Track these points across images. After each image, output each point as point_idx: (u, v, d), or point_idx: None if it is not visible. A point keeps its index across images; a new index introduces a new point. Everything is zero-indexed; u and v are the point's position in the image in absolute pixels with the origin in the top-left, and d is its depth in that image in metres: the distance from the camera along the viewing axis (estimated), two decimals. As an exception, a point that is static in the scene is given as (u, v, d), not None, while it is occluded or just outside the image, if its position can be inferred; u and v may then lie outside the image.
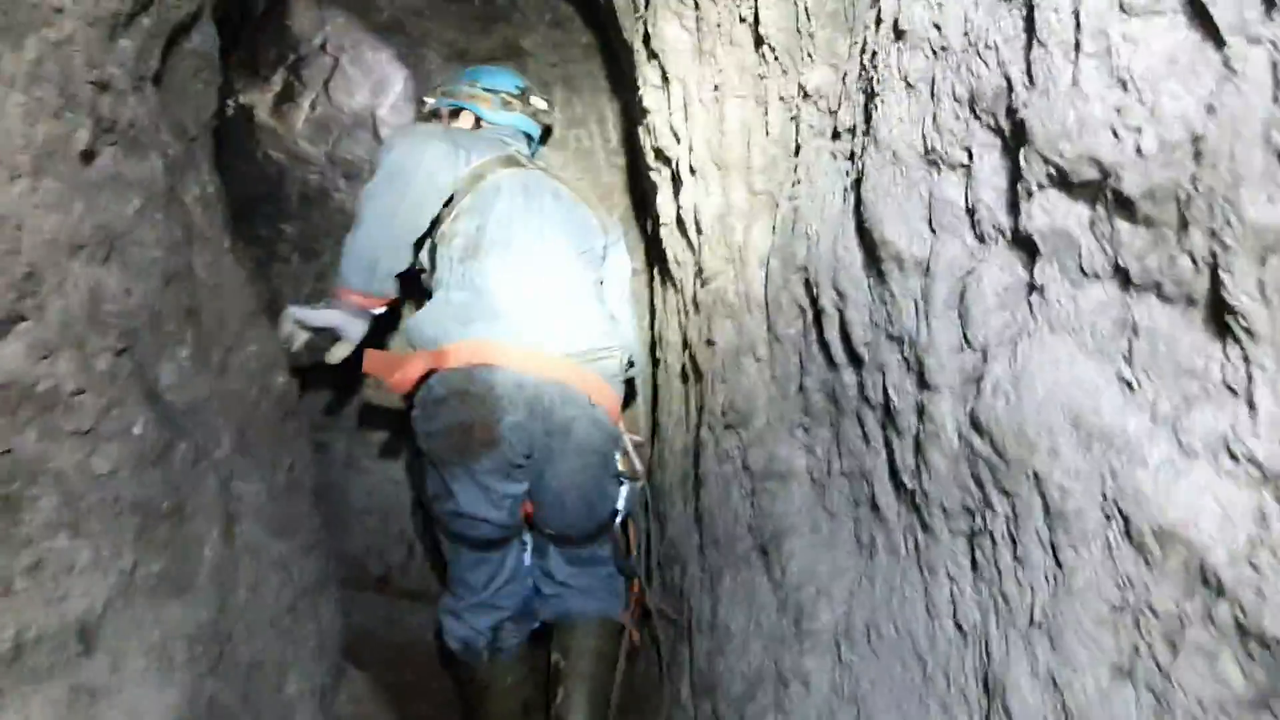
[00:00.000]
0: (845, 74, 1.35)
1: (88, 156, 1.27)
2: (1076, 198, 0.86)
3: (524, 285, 2.36)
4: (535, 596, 2.56)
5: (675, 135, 1.76)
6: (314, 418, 3.49)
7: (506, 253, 2.39)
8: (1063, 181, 0.86)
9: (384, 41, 3.20)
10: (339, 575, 3.57)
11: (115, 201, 1.36)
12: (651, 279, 2.78)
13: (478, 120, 2.71)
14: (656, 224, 2.24)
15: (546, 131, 2.94)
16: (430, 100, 2.82)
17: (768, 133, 1.48)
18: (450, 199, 2.40)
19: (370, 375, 2.53)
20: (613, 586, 2.56)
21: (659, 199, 2.09)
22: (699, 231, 1.73)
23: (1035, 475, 0.90)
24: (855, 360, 1.33)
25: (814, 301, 1.43)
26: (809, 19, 1.39)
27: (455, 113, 2.74)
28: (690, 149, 1.63)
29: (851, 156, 1.31)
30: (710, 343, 1.82)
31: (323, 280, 3.46)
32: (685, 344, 2.14)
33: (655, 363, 2.71)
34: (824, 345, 1.43)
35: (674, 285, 2.25)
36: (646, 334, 2.82)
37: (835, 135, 1.37)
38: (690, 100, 1.59)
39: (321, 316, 2.33)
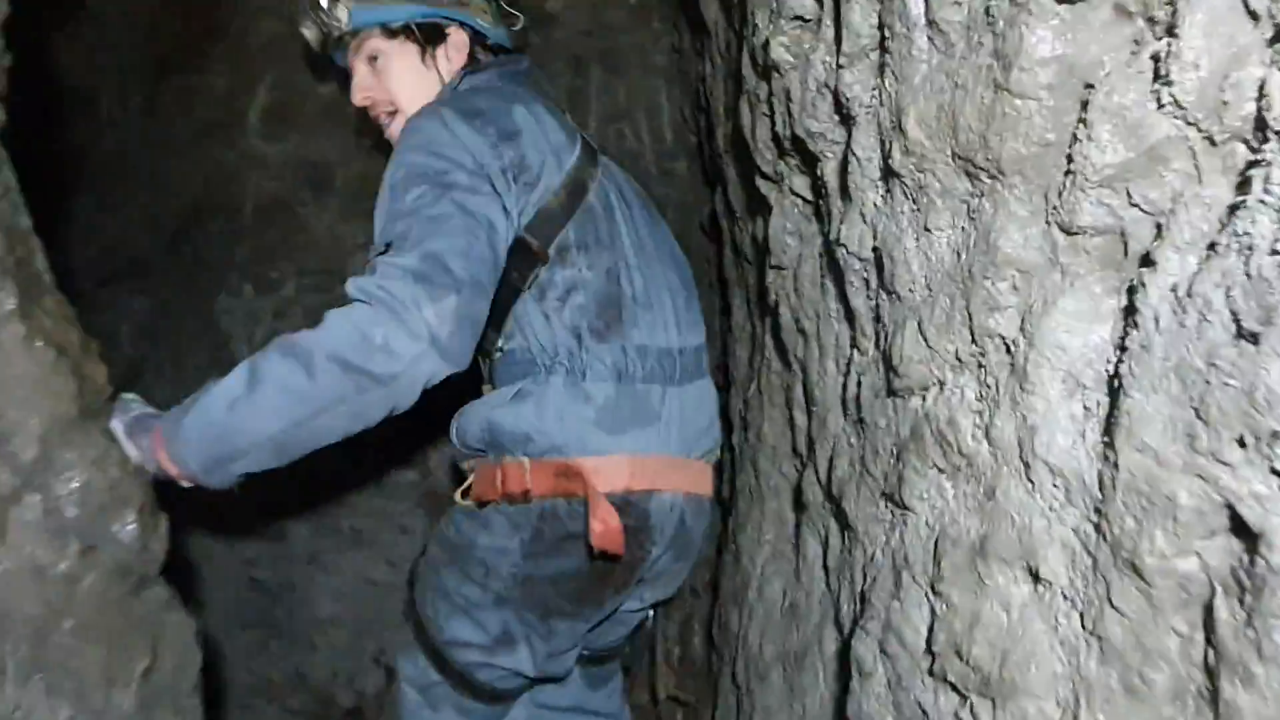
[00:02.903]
0: None
1: None
2: None
3: (675, 365, 1.58)
4: None
5: (842, 107, 0.94)
6: (268, 496, 2.70)
7: (650, 314, 1.58)
8: None
9: (362, 6, 2.40)
10: (295, 708, 2.81)
11: None
12: (726, 350, 1.92)
13: (479, 48, 1.70)
14: (763, 266, 1.41)
15: None
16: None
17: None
18: (535, 225, 1.49)
19: (481, 499, 1.56)
20: (624, 698, 2.03)
21: (774, 225, 1.26)
22: (887, 291, 0.91)
23: None
24: None
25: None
26: None
27: (431, 34, 1.66)
28: (894, 126, 0.81)
29: None
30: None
31: (281, 319, 2.67)
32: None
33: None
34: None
35: (784, 364, 1.42)
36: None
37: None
38: (900, 36, 0.77)
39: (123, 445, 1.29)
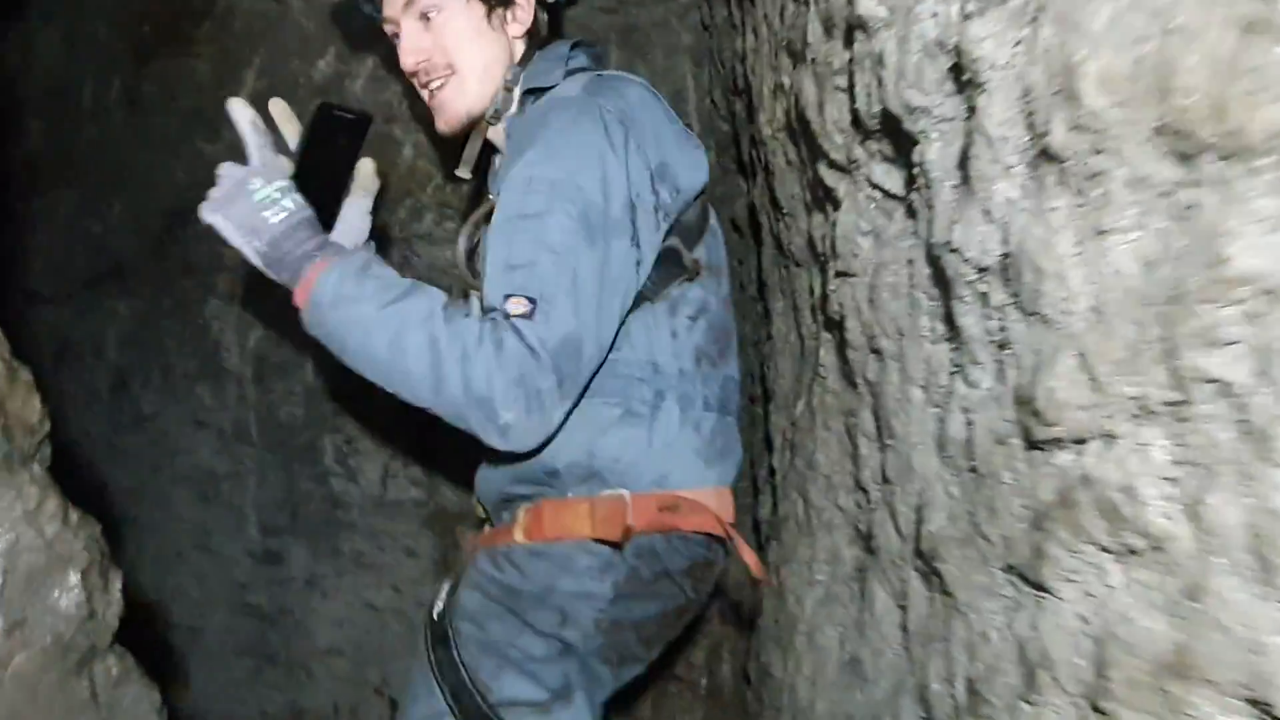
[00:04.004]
0: None
1: None
2: None
3: (740, 395, 1.57)
4: None
5: (962, 72, 0.72)
6: (261, 514, 2.51)
7: (734, 343, 1.54)
8: None
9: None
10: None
11: None
12: (763, 361, 1.71)
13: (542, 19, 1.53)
14: (824, 270, 1.19)
15: None
16: None
17: None
18: (671, 235, 1.38)
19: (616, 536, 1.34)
20: None
21: (842, 223, 1.04)
22: (1025, 311, 0.69)
23: None
24: None
25: None
26: None
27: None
28: (1056, 92, 0.59)
29: None
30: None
31: (276, 327, 2.47)
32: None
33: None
34: None
35: (848, 385, 1.21)
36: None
37: None
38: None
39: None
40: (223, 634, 2.58)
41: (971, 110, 0.71)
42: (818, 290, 1.36)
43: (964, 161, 0.73)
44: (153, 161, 2.47)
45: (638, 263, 1.29)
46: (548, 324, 1.17)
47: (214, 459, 2.55)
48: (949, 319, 0.84)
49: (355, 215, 1.45)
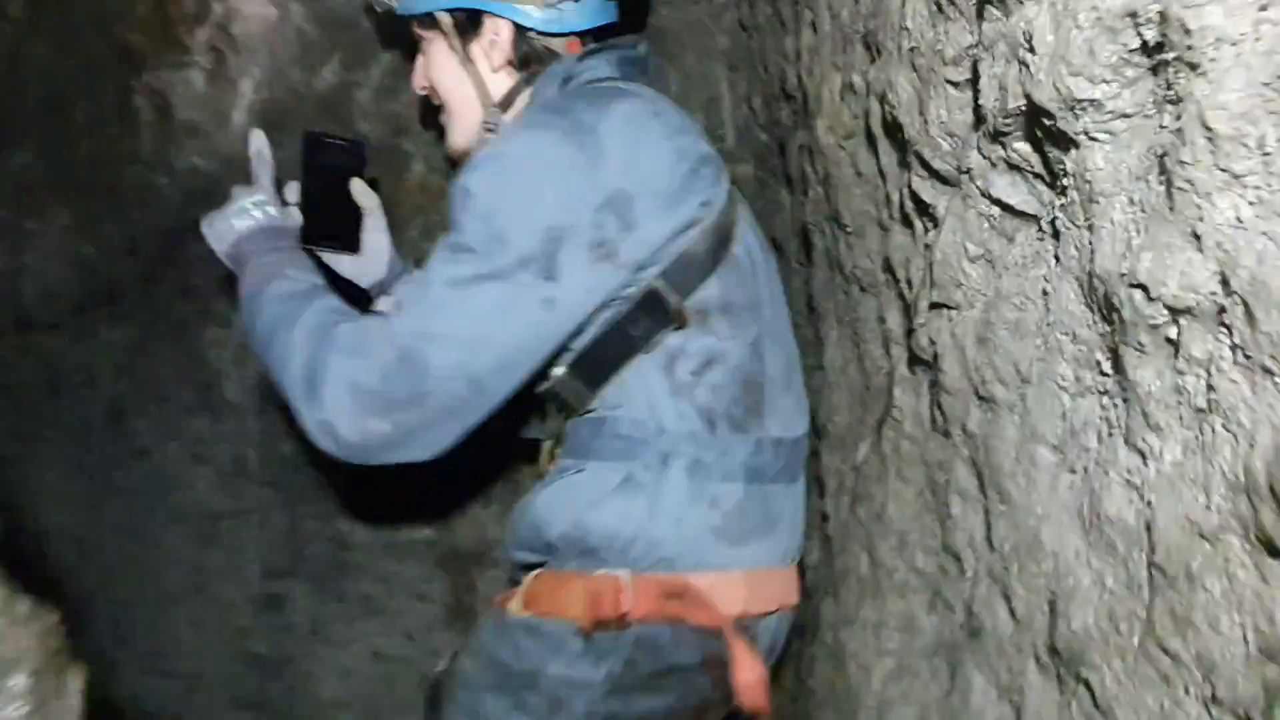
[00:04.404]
0: None
1: None
2: None
3: (798, 456, 1.35)
4: None
5: (1162, 50, 0.55)
6: (262, 555, 2.34)
7: (785, 398, 1.31)
8: None
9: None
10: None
11: None
12: (813, 417, 1.51)
13: (537, 40, 1.35)
14: (912, 299, 1.02)
15: None
16: None
17: None
18: (674, 273, 1.18)
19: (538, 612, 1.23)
20: None
21: (943, 245, 0.86)
22: (1265, 369, 0.52)
23: None
24: None
25: None
26: None
27: (465, 25, 1.33)
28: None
29: None
30: None
31: (276, 354, 2.30)
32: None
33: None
34: None
35: (938, 434, 1.03)
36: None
37: None
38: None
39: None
40: (221, 684, 2.42)
41: (1176, 101, 0.53)
42: (892, 321, 1.18)
43: (1158, 170, 0.55)
44: (147, 178, 2.31)
45: (548, 300, 1.11)
46: (400, 326, 1.12)
47: (212, 496, 2.39)
48: (1114, 369, 0.66)
49: (370, 236, 1.49)
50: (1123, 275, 0.60)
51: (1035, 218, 0.76)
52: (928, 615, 1.25)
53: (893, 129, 0.93)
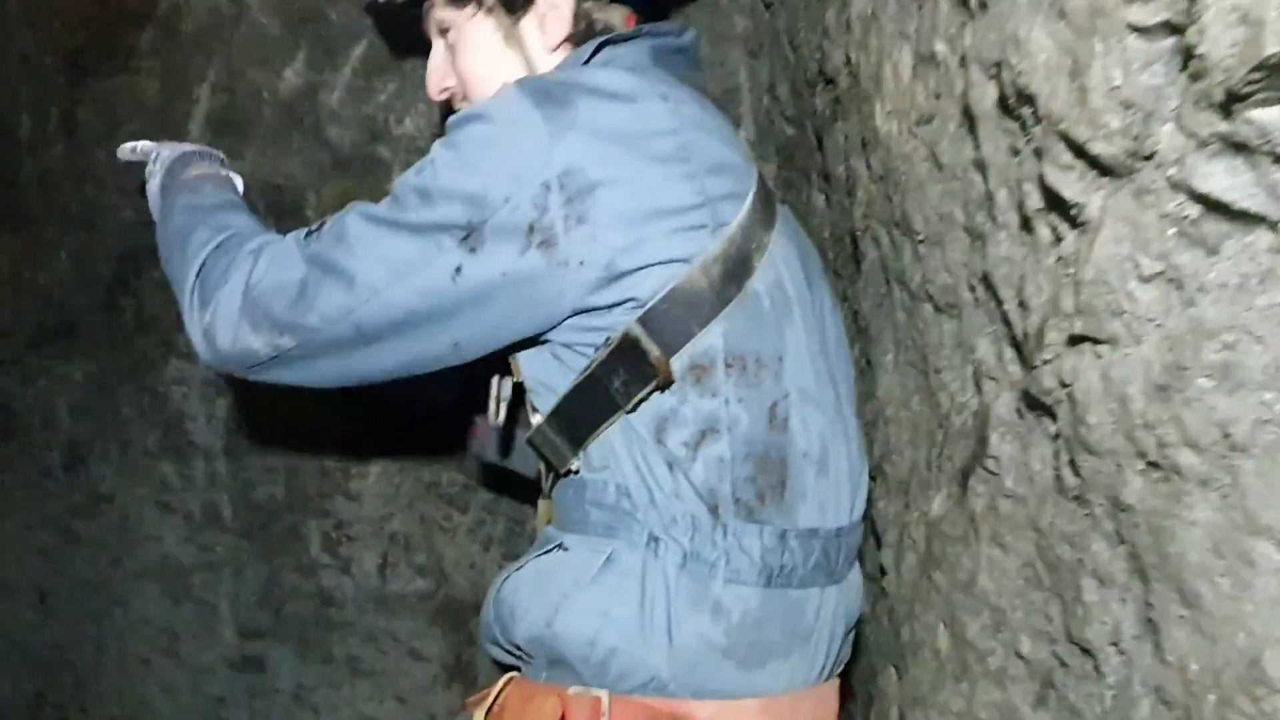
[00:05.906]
0: None
1: None
2: None
3: (841, 549, 1.08)
4: None
5: None
6: (238, 613, 2.11)
7: (826, 478, 1.03)
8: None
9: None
10: None
11: None
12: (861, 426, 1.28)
13: (595, 12, 1.13)
14: (1016, 328, 0.78)
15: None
16: None
17: None
18: (658, 315, 0.95)
19: None
20: None
21: (1097, 256, 0.63)
22: None
23: None
24: None
25: None
26: None
27: None
28: None
29: None
30: None
31: (248, 392, 2.07)
32: None
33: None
34: None
35: (1070, 501, 0.80)
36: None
37: None
38: None
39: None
40: (197, 757, 2.18)
41: None
42: (985, 350, 0.94)
43: None
44: (98, 199, 2.08)
45: (457, 270, 0.94)
46: (311, 250, 1.03)
47: (182, 548, 2.17)
48: None
49: None
50: None
51: (1262, 218, 0.52)
52: (1035, 712, 1.01)
53: (1013, 104, 0.69)
